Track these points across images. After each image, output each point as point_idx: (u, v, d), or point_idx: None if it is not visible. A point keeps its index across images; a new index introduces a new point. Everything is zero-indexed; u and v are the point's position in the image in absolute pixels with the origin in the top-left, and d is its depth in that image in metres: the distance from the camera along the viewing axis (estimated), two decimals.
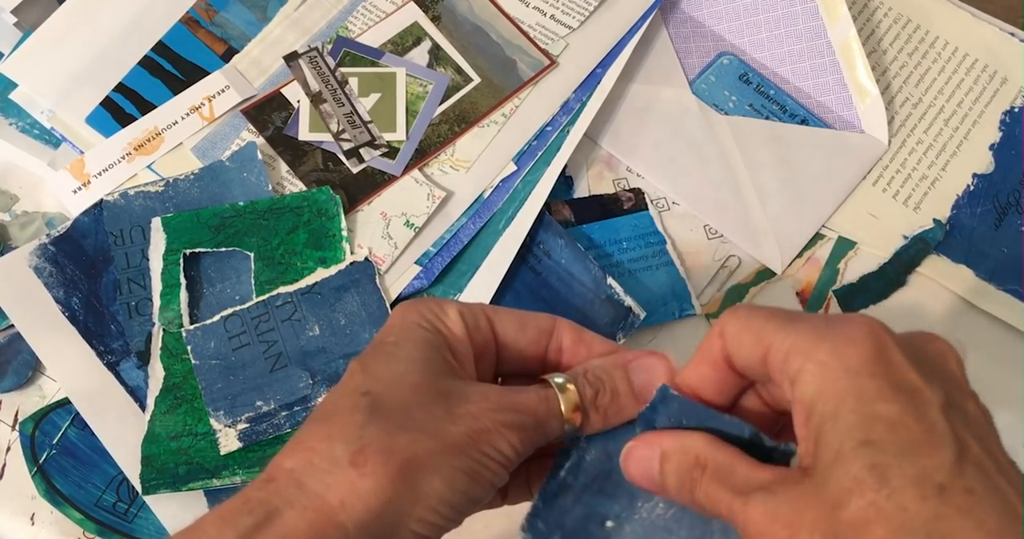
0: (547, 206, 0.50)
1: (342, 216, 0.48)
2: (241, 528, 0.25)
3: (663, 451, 0.29)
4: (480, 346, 0.31)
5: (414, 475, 0.26)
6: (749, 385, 0.30)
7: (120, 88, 0.53)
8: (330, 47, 0.53)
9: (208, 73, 0.53)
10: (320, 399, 0.45)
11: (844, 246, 0.52)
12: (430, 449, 0.27)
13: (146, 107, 0.52)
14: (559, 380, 0.30)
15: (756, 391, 0.30)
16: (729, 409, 0.30)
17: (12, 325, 0.47)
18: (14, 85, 0.53)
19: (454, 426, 0.27)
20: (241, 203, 0.48)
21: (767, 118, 0.54)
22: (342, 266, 0.47)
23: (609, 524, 0.31)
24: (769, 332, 0.26)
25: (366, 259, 0.48)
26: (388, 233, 0.49)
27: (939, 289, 0.51)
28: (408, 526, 0.26)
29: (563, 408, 0.30)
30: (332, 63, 0.52)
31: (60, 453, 0.47)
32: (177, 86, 0.53)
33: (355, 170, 0.50)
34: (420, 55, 0.53)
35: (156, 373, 0.46)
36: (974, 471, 0.23)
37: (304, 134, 0.51)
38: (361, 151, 0.51)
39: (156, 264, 0.47)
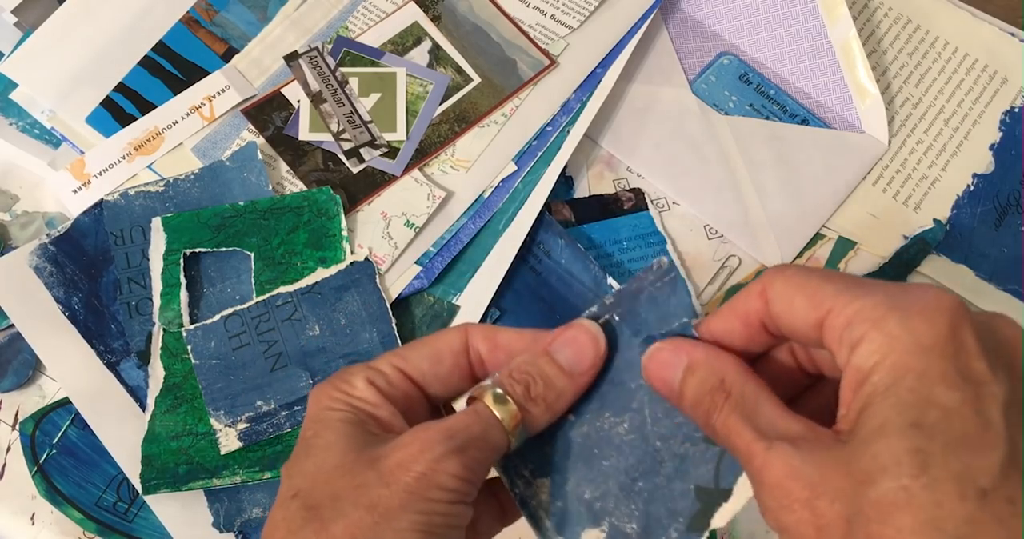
0: (547, 206, 0.50)
1: (342, 216, 0.48)
2: None
3: (690, 362, 0.27)
4: (403, 400, 0.29)
5: None
6: (780, 343, 0.29)
7: (120, 88, 0.53)
8: (330, 47, 0.53)
9: (208, 73, 0.53)
10: None
11: (844, 246, 0.52)
12: (368, 524, 0.25)
13: (146, 107, 0.52)
14: (488, 391, 0.29)
15: (791, 349, 0.29)
16: (754, 362, 0.29)
17: (12, 325, 0.47)
18: (14, 85, 0.53)
19: (387, 488, 0.26)
20: (241, 203, 0.48)
21: (767, 118, 0.54)
22: (342, 266, 0.47)
23: (570, 417, 0.30)
24: (829, 296, 0.25)
25: (366, 259, 0.48)
26: (388, 233, 0.49)
27: None
28: None
29: (501, 416, 0.28)
30: (332, 63, 0.52)
31: (60, 453, 0.47)
32: (177, 86, 0.53)
33: (355, 170, 0.50)
34: (420, 55, 0.53)
35: (156, 373, 0.46)
36: (1020, 479, 0.22)
37: (304, 134, 0.51)
38: (361, 151, 0.51)
39: (156, 264, 0.47)
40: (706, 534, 0.28)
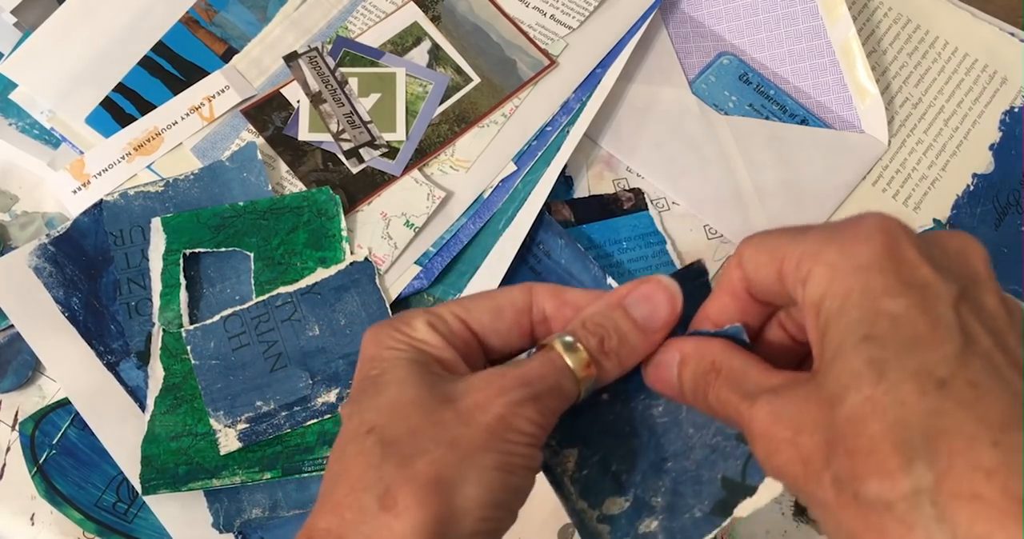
0: (547, 206, 0.50)
1: (342, 216, 0.48)
2: None
3: (682, 356, 0.28)
4: (463, 347, 0.29)
5: (447, 494, 0.25)
6: (772, 314, 0.29)
7: (120, 88, 0.53)
8: (330, 47, 0.53)
9: (208, 73, 0.53)
10: (319, 399, 0.45)
11: None
12: (452, 461, 0.25)
13: (146, 107, 0.52)
14: (560, 339, 0.28)
15: (780, 322, 0.29)
16: (753, 339, 0.29)
17: (12, 325, 0.47)
18: (14, 85, 0.53)
19: (467, 428, 0.26)
20: (241, 203, 0.48)
21: (767, 118, 0.54)
22: (342, 266, 0.47)
23: (604, 396, 0.30)
24: (783, 245, 0.26)
25: (366, 259, 0.48)
26: (388, 233, 0.49)
27: None
28: None
29: (572, 364, 0.28)
30: (332, 63, 0.52)
31: (60, 453, 0.47)
32: (177, 86, 0.53)
33: (355, 170, 0.50)
34: (420, 55, 0.53)
35: (156, 373, 0.46)
36: (980, 364, 0.22)
37: (304, 134, 0.51)
38: (361, 151, 0.51)
39: (156, 264, 0.47)
40: (728, 520, 0.28)
